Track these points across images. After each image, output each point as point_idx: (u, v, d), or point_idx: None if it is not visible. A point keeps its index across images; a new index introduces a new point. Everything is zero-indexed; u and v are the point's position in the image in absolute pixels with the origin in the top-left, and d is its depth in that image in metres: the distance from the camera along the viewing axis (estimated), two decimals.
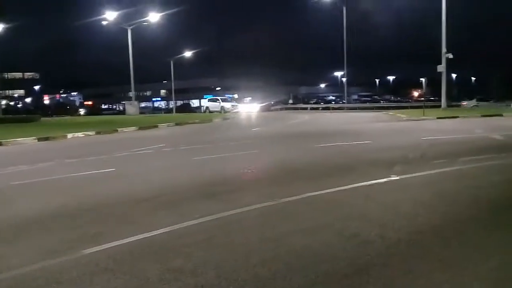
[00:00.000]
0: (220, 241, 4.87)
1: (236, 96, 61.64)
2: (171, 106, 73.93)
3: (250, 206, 6.21)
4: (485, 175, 8.47)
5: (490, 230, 5.15)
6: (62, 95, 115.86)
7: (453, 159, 9.97)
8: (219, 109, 43.92)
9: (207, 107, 48.48)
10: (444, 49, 31.80)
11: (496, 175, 8.40)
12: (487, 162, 9.67)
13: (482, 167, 9.23)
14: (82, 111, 67.11)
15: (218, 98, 45.77)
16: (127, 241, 4.89)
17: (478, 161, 9.76)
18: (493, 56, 71.48)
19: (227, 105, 43.40)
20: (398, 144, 13.52)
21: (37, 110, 50.67)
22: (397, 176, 8.15)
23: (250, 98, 63.32)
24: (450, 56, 31.44)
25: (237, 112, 42.09)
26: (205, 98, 61.31)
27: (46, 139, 17.72)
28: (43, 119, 32.97)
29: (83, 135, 19.36)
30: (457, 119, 24.68)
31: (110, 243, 4.84)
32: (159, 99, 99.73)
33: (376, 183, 7.66)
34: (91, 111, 60.56)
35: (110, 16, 39.11)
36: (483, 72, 77.25)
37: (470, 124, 20.34)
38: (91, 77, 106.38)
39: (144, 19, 40.60)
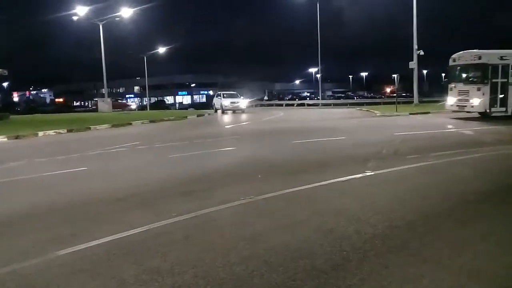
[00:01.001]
0: (197, 239, 4.84)
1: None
2: (145, 103, 73.05)
3: (227, 203, 6.19)
4: (457, 169, 8.68)
5: (462, 223, 5.28)
6: (32, 92, 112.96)
7: (426, 154, 10.17)
8: (219, 106, 36.16)
9: (213, 104, 39.08)
10: (415, 46, 32.43)
11: (468, 170, 8.62)
12: (458, 156, 9.90)
13: (454, 161, 9.46)
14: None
15: (221, 93, 37.48)
16: (102, 242, 4.80)
17: (450, 155, 9.99)
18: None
19: (225, 101, 35.32)
20: (372, 140, 13.71)
21: (5, 108, 49.14)
22: (372, 172, 8.26)
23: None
24: (421, 53, 32.09)
25: (240, 110, 35.30)
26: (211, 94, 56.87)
27: (16, 137, 17.24)
28: (12, 117, 32.05)
29: (55, 133, 18.90)
30: (429, 114, 25.20)
31: (85, 243, 4.74)
32: (132, 96, 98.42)
33: (351, 178, 7.75)
34: (60, 109, 58.96)
35: (81, 11, 38.21)
36: None
37: (441, 120, 20.81)
38: (62, 74, 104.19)
39: (116, 14, 39.87)
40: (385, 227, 5.07)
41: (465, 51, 21.01)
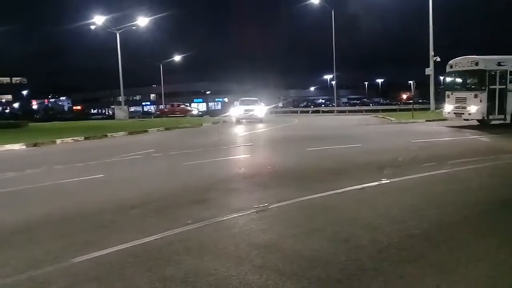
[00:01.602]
0: (211, 248, 4.83)
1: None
2: None
3: (241, 211, 6.18)
4: (474, 177, 8.54)
5: (479, 233, 5.18)
6: (50, 100, 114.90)
7: (442, 162, 10.03)
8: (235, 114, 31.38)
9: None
10: (431, 52, 32.14)
11: (485, 178, 8.48)
12: (475, 164, 9.75)
13: (471, 169, 9.30)
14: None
15: (240, 100, 32.46)
16: (117, 249, 4.83)
17: (467, 163, 9.83)
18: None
19: (239, 109, 30.72)
20: (387, 147, 13.59)
21: (24, 115, 50.00)
22: (388, 180, 8.17)
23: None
24: (438, 59, 31.77)
25: (256, 119, 30.09)
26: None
27: (35, 145, 17.51)
28: (31, 124, 32.62)
29: (72, 140, 19.16)
30: (446, 121, 24.88)
31: (99, 251, 4.78)
32: (148, 103, 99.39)
33: (367, 186, 7.68)
34: (79, 116, 59.51)
35: (98, 20, 38.91)
36: None
37: (457, 127, 20.49)
38: (80, 82, 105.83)
39: (133, 23, 40.46)
40: (400, 237, 5.01)
41: (462, 57, 20.47)
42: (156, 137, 21.50)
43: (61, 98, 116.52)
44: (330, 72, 59.18)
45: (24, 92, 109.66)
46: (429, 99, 35.61)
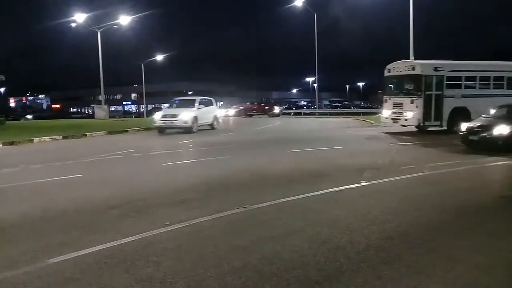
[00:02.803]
0: (190, 249, 4.81)
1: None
2: (142, 110, 73.00)
3: (221, 213, 6.17)
4: (451, 180, 8.70)
5: (456, 235, 5.27)
6: (28, 98, 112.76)
7: (421, 164, 10.20)
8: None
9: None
10: (412, 57, 32.62)
11: (461, 181, 8.64)
12: (452, 168, 9.92)
13: (448, 172, 9.47)
14: (29, 116, 57.23)
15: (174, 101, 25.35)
16: (95, 250, 4.77)
17: (444, 166, 10.01)
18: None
19: (157, 115, 22.54)
20: (367, 150, 13.74)
21: (2, 113, 48.99)
22: (367, 182, 8.27)
23: (221, 103, 62.57)
24: None
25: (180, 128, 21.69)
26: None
27: (11, 143, 17.17)
28: (8, 122, 31.93)
29: (50, 139, 18.84)
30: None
31: (77, 252, 4.71)
32: (129, 102, 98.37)
33: (346, 188, 7.75)
34: (58, 115, 58.41)
35: (79, 18, 38.33)
36: None
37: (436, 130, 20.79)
38: (60, 80, 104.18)
39: (114, 21, 40.01)
40: (379, 238, 5.06)
41: (399, 61, 20.21)
42: (136, 137, 21.29)
43: (39, 96, 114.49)
44: (312, 74, 59.68)
45: (1, 90, 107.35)
46: None
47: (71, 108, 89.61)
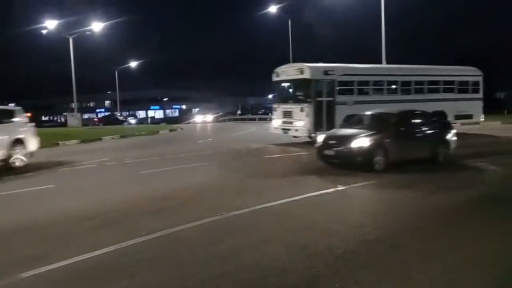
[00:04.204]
0: (167, 258, 4.73)
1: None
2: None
3: (197, 221, 6.10)
4: (425, 184, 8.83)
5: (431, 238, 5.35)
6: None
7: (395, 169, 10.31)
8: None
9: None
10: (384, 62, 33.17)
11: (432, 184, 8.77)
12: (427, 171, 10.09)
13: (422, 175, 9.63)
14: None
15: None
16: (68, 263, 4.64)
17: (419, 170, 10.15)
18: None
19: None
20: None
21: None
22: (343, 186, 8.32)
23: (197, 109, 62.30)
24: None
25: None
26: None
27: None
28: None
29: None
30: None
31: (50, 265, 4.57)
32: (103, 110, 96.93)
33: (324, 193, 7.78)
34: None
35: (50, 24, 37.57)
36: None
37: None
38: (31, 88, 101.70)
39: (86, 28, 39.41)
40: (356, 242, 5.09)
41: (288, 64, 18.09)
42: (111, 145, 20.95)
43: (9, 104, 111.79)
44: None
45: None
46: None
47: (43, 117, 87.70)
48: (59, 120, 72.21)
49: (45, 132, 31.00)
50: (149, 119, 72.60)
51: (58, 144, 20.37)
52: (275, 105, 18.22)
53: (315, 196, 7.58)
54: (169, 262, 4.61)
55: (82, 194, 8.70)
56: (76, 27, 39.50)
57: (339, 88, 16.49)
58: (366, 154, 9.86)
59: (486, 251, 4.86)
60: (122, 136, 24.90)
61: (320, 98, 16.06)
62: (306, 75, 16.13)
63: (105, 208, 7.11)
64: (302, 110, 16.09)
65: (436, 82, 19.08)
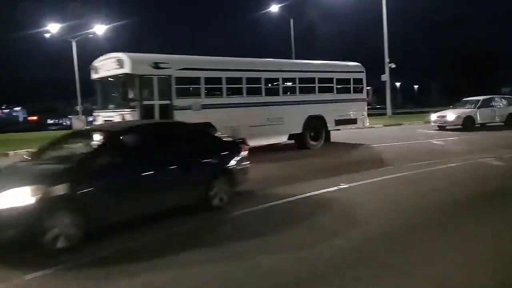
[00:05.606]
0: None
1: None
2: None
3: (196, 221, 6.10)
4: (429, 180, 8.79)
5: (434, 235, 5.31)
6: (4, 111, 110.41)
7: (399, 165, 10.30)
8: None
9: None
10: (387, 59, 33.07)
11: (441, 180, 8.74)
12: (430, 167, 10.03)
13: (426, 172, 9.58)
14: None
15: None
16: None
17: (422, 166, 10.11)
18: (433, 65, 75.38)
19: None
20: (346, 152, 13.81)
21: None
22: (346, 184, 8.30)
23: None
24: (393, 65, 32.67)
25: None
26: None
27: None
28: None
29: (26, 152, 18.33)
30: (402, 126, 25.64)
31: None
32: None
33: (326, 191, 7.76)
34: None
35: (53, 28, 37.80)
36: (425, 80, 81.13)
37: (414, 131, 21.07)
38: (36, 92, 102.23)
39: (89, 31, 39.54)
40: (359, 239, 5.10)
41: (107, 54, 12.70)
42: None
43: (15, 108, 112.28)
44: None
45: None
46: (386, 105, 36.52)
47: (49, 120, 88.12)
48: (64, 123, 72.50)
49: (48, 135, 30.54)
50: None
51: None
52: (95, 113, 13.28)
53: (316, 194, 7.57)
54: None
55: None
56: (79, 30, 39.62)
57: (179, 88, 12.09)
58: (26, 223, 4.84)
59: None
60: None
61: (149, 101, 11.56)
62: (126, 68, 11.50)
63: None
64: (123, 119, 11.20)
65: (310, 80, 15.04)
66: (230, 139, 7.88)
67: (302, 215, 6.32)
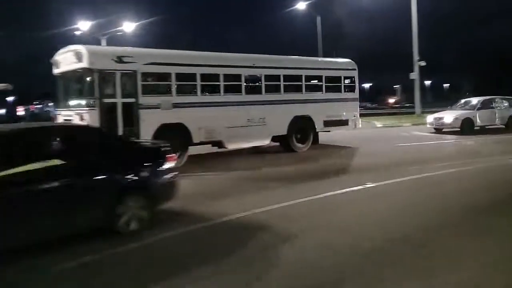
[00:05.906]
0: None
1: None
2: None
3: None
4: (455, 181, 8.58)
5: (460, 237, 5.20)
6: (37, 106, 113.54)
7: (426, 165, 10.09)
8: None
9: None
10: (416, 57, 32.42)
11: (466, 182, 8.51)
12: (457, 168, 9.77)
13: (453, 173, 9.35)
14: None
15: None
16: None
17: (449, 167, 9.87)
18: (465, 62, 73.53)
19: None
20: (373, 151, 13.64)
21: (8, 122, 49.22)
22: (372, 184, 8.18)
23: None
24: (423, 63, 31.98)
25: None
26: None
27: None
28: None
29: None
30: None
31: None
32: None
33: (351, 191, 7.68)
34: None
35: (83, 26, 38.65)
36: (456, 78, 79.31)
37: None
38: None
39: (118, 28, 40.21)
40: (383, 241, 5.03)
41: (67, 47, 11.51)
42: None
43: (48, 104, 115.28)
44: None
45: (10, 99, 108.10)
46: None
47: None
48: None
49: None
50: None
51: None
52: (57, 112, 12.14)
53: (341, 193, 7.50)
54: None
55: None
56: (108, 27, 40.35)
57: (145, 84, 11.02)
58: None
59: None
60: None
61: (111, 99, 10.40)
62: (85, 62, 10.30)
63: None
64: (82, 119, 10.21)
65: (296, 78, 13.81)
66: (152, 145, 6.87)
67: (327, 214, 6.26)
